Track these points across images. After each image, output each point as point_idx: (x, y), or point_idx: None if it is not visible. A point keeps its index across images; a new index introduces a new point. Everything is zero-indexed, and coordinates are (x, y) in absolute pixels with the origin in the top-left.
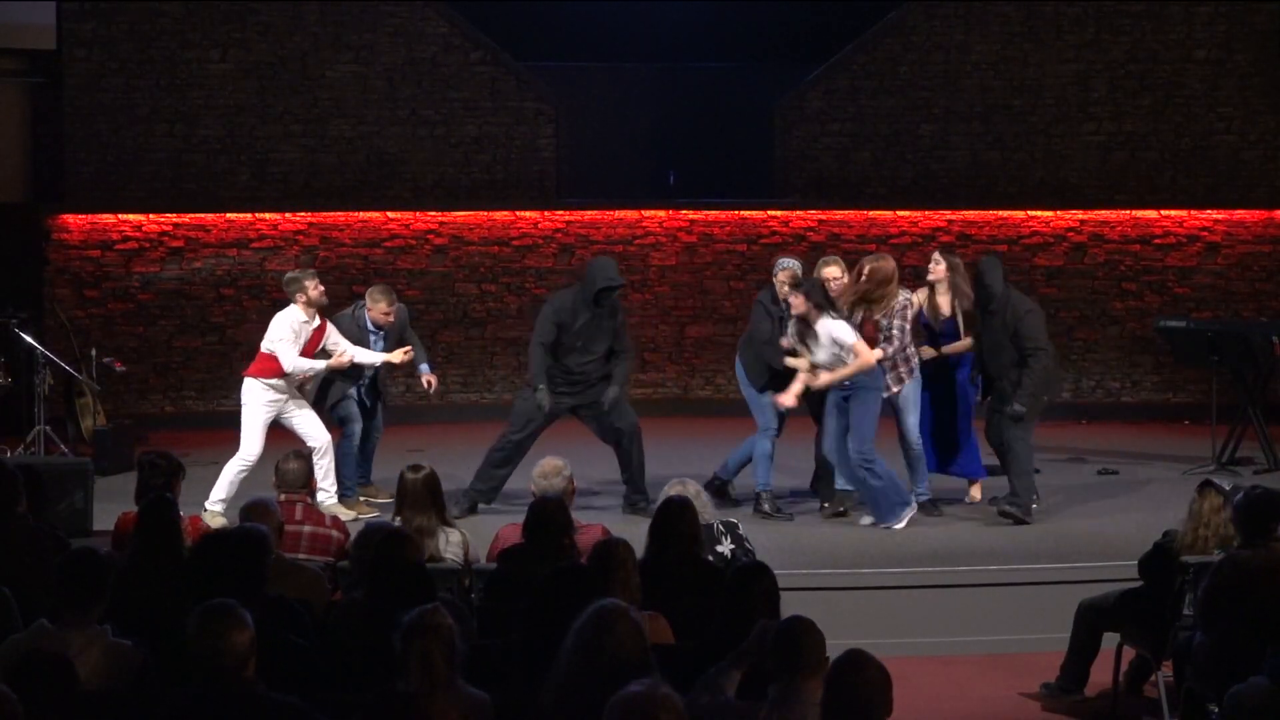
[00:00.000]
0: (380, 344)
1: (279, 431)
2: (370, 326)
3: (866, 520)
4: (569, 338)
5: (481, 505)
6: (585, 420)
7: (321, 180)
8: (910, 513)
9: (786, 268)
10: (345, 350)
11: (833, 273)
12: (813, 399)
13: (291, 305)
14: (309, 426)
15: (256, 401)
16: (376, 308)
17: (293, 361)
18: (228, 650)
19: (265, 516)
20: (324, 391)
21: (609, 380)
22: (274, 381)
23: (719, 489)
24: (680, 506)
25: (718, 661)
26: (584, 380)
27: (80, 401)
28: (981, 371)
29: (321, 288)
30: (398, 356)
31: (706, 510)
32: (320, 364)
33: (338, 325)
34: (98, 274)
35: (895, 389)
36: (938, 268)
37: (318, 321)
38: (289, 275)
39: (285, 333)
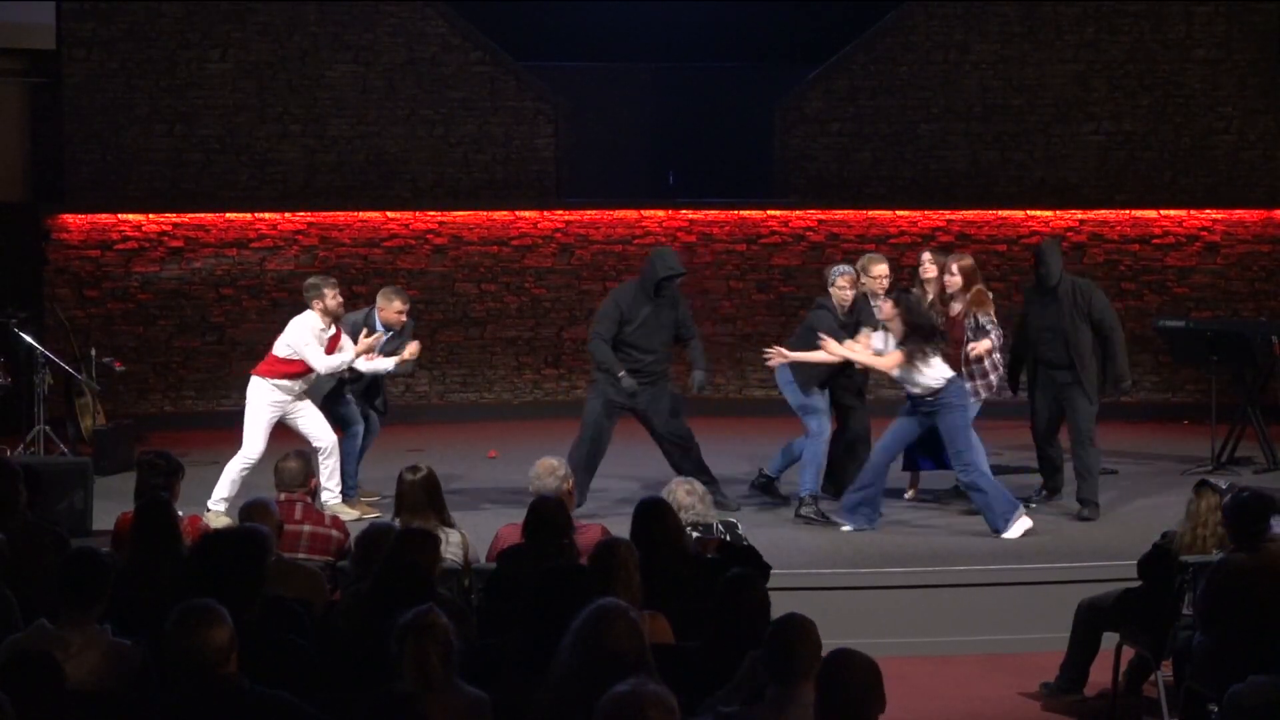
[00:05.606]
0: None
1: (282, 431)
2: (382, 329)
3: (846, 527)
4: (630, 332)
5: (482, 505)
6: (642, 418)
7: (321, 180)
8: (1021, 519)
9: (846, 273)
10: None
11: (882, 270)
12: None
13: (308, 311)
14: (314, 427)
15: (262, 401)
16: (390, 307)
17: (324, 362)
18: (205, 647)
19: (264, 516)
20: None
21: (666, 376)
22: (282, 383)
23: (765, 486)
24: (654, 508)
25: (714, 666)
26: (645, 376)
27: (80, 401)
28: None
29: (340, 299)
30: (408, 353)
31: (709, 511)
32: (349, 355)
33: (349, 329)
34: (97, 274)
35: (984, 395)
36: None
37: (333, 330)
38: (310, 280)
39: (308, 337)
